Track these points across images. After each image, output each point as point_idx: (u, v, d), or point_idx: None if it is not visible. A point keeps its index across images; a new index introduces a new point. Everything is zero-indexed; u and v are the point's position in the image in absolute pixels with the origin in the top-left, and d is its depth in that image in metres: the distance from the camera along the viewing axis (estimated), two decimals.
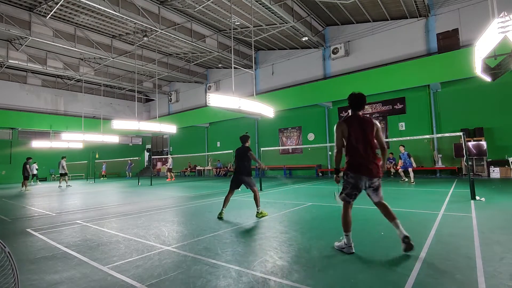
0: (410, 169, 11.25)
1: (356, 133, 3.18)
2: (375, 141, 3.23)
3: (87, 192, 12.43)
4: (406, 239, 3.02)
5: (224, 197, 5.68)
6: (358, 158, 3.15)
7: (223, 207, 5.50)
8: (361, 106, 3.30)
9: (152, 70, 22.34)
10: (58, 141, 21.92)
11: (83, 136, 20.63)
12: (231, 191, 5.64)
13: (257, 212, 5.43)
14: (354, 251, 3.17)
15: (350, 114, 3.37)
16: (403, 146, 11.65)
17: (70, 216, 6.21)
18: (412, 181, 11.07)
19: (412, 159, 11.43)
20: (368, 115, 3.86)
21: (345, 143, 3.26)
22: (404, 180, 11.78)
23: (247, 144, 5.75)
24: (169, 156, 20.47)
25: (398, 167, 12.38)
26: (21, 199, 9.99)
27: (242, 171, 5.52)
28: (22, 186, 13.73)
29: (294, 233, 4.11)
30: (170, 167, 19.11)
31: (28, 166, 14.17)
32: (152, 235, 4.25)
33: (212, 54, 19.99)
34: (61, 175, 15.53)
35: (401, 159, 11.72)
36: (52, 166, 23.73)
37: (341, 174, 3.31)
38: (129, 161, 24.32)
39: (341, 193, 3.30)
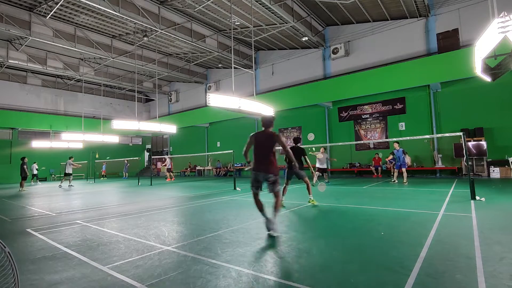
0: (403, 169, 10.97)
1: (258, 143, 4.35)
2: (277, 147, 4.38)
3: (87, 192, 12.43)
4: (268, 227, 4.01)
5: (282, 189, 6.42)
6: (257, 160, 4.31)
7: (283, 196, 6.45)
8: (268, 126, 4.44)
9: (152, 70, 22.35)
10: (58, 141, 21.92)
11: (83, 136, 20.62)
12: (287, 182, 6.81)
13: (310, 199, 6.62)
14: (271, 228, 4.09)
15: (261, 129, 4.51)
16: (398, 143, 11.30)
17: (70, 216, 6.21)
18: (404, 181, 10.82)
19: (407, 156, 11.17)
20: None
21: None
22: (394, 181, 11.43)
23: (299, 144, 7.20)
24: (166, 156, 20.49)
25: (390, 165, 12.23)
26: (21, 199, 9.99)
27: (298, 166, 6.72)
28: (21, 187, 13.73)
29: (294, 233, 4.11)
30: (169, 167, 19.16)
31: (25, 166, 14.15)
32: (152, 235, 4.25)
33: (212, 54, 19.99)
34: (65, 174, 15.69)
35: (394, 155, 11.45)
36: (52, 166, 23.76)
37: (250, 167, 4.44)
38: (125, 161, 24.36)
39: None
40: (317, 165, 11.93)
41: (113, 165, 25.38)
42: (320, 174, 12.24)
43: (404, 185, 10.35)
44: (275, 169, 4.24)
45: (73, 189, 13.90)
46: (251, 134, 4.48)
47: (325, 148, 12.26)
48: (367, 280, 2.45)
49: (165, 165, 19.48)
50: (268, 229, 3.97)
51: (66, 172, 15.62)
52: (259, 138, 4.38)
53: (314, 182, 11.34)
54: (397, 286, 2.31)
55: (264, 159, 4.24)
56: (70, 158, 16.02)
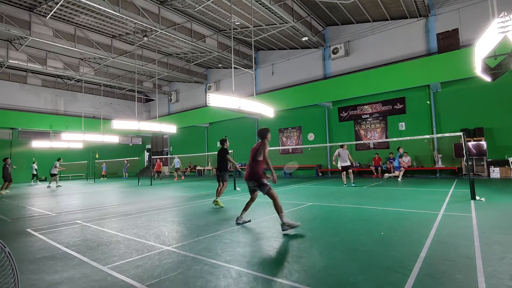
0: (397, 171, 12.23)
1: (251, 153, 4.78)
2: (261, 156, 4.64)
3: (87, 192, 12.43)
4: (283, 226, 4.17)
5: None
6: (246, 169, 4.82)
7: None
8: (261, 137, 4.83)
9: (152, 70, 22.34)
10: (58, 141, 21.91)
11: (83, 136, 20.62)
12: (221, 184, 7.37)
13: (215, 200, 6.88)
14: (238, 222, 4.78)
15: None
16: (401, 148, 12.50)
17: (70, 216, 6.21)
18: (399, 178, 12.10)
19: (406, 156, 12.44)
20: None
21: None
22: (391, 176, 12.83)
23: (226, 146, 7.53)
24: (175, 156, 20.76)
25: (390, 165, 12.93)
26: (21, 199, 9.99)
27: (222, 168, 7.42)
28: (2, 189, 12.78)
29: (294, 233, 4.11)
30: (178, 166, 19.79)
31: (5, 168, 13.57)
32: (152, 235, 4.25)
33: (212, 54, 19.99)
34: (51, 175, 15.84)
35: (394, 159, 12.74)
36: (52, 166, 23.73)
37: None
38: (125, 161, 24.37)
39: None
40: (339, 164, 10.51)
41: (113, 165, 25.36)
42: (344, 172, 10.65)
43: (400, 182, 11.30)
44: (256, 175, 4.57)
45: (73, 190, 13.92)
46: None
47: (342, 146, 10.63)
48: (367, 280, 2.45)
49: (173, 165, 20.23)
50: (283, 228, 4.17)
51: (51, 173, 15.74)
52: (253, 149, 4.83)
53: (344, 183, 10.52)
54: (397, 286, 2.31)
55: (249, 167, 4.74)
56: (58, 160, 16.12)
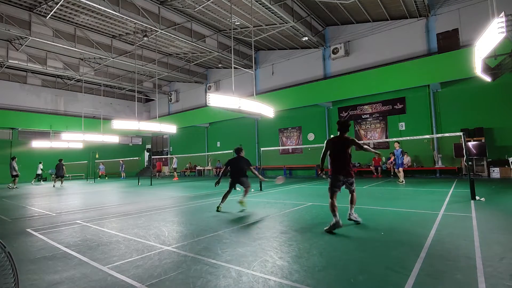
0: (400, 169, 11.30)
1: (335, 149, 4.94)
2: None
3: (87, 192, 12.43)
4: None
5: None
6: (337, 165, 5.00)
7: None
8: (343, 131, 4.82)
9: (152, 70, 22.34)
10: (58, 141, 21.92)
11: (83, 136, 20.62)
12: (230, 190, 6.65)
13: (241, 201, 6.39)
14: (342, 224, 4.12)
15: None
16: (398, 143, 11.62)
17: (70, 216, 6.21)
18: (401, 181, 11.15)
19: (406, 156, 11.58)
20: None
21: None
22: (402, 182, 11.26)
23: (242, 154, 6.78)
24: (173, 156, 20.88)
25: (390, 165, 12.53)
26: (21, 199, 9.99)
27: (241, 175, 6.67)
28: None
29: (294, 233, 4.11)
30: (175, 166, 19.99)
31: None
32: (152, 235, 4.25)
33: (212, 54, 19.98)
34: (13, 176, 15.06)
35: (394, 155, 11.80)
36: (52, 166, 23.68)
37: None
38: (120, 162, 24.35)
39: None
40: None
41: (114, 165, 25.33)
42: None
43: (401, 184, 10.57)
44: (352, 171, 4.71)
45: (73, 189, 13.95)
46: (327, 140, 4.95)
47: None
48: (367, 280, 2.45)
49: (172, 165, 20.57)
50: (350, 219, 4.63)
51: (12, 174, 15.03)
52: (335, 144, 4.83)
53: None
54: (397, 286, 2.32)
55: (344, 163, 4.63)
56: (13, 159, 15.38)
